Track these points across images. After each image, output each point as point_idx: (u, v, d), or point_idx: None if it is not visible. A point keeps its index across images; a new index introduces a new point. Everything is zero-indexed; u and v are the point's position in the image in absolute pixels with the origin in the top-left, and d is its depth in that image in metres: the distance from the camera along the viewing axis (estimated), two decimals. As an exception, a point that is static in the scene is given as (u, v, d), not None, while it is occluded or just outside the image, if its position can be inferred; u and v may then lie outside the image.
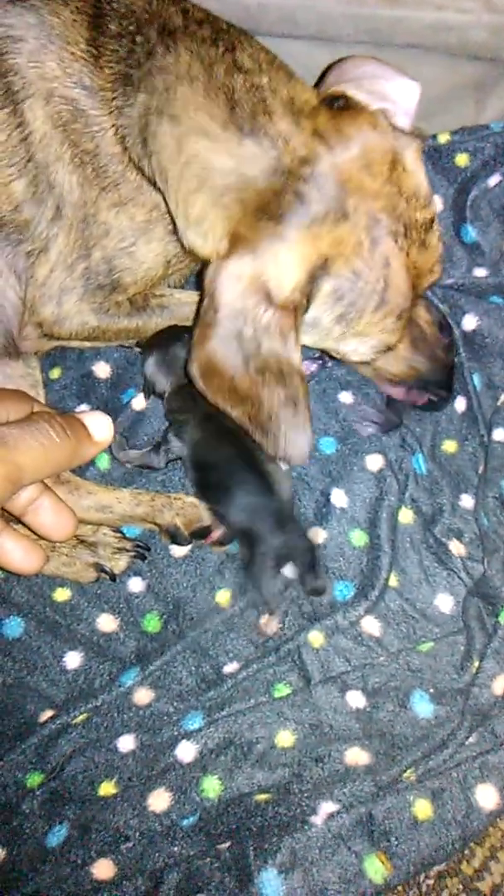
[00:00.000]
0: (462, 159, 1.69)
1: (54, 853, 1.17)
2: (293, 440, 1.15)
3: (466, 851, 1.17)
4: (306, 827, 1.13)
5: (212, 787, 1.20)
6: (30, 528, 0.84)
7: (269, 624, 1.29)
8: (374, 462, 1.46)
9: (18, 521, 1.43)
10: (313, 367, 1.54)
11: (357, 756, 1.20)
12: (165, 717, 1.27)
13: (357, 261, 1.11)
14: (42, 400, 1.55)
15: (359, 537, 1.41)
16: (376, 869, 1.10)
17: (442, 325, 1.37)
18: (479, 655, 1.27)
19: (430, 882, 1.16)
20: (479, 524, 1.40)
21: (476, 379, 1.52)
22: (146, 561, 1.42)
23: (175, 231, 1.34)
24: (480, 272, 1.63)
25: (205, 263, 1.17)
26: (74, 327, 1.42)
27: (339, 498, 1.44)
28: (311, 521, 1.42)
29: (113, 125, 1.25)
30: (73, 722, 1.27)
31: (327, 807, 1.15)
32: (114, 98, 1.24)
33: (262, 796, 1.18)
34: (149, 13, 1.24)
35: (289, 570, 1.29)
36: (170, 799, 1.19)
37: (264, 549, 1.26)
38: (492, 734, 1.20)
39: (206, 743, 1.23)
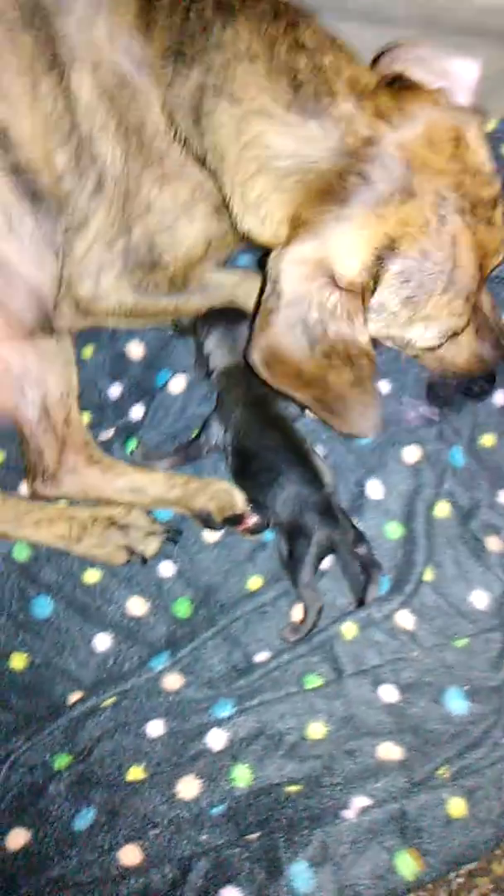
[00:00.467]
0: (510, 148, 1.65)
1: (81, 837, 1.16)
2: (362, 417, 1.16)
3: (497, 851, 1.16)
4: (338, 821, 1.11)
5: (242, 776, 1.18)
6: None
7: (304, 623, 1.27)
8: (411, 454, 1.43)
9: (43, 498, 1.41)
10: None
11: (389, 751, 1.19)
12: (195, 704, 1.26)
13: (425, 240, 1.08)
14: (74, 378, 1.53)
15: (394, 530, 1.38)
16: (408, 865, 1.09)
17: None
18: (514, 654, 1.25)
19: (461, 880, 1.14)
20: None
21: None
22: (177, 545, 1.40)
23: (218, 211, 1.31)
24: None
25: (263, 249, 1.14)
26: (111, 305, 1.40)
27: (374, 489, 1.41)
28: (346, 513, 1.40)
29: (161, 99, 1.22)
30: (102, 705, 1.26)
31: (359, 801, 1.13)
32: (164, 72, 1.20)
33: (293, 788, 1.16)
34: None
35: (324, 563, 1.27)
36: (199, 786, 1.18)
37: (310, 541, 1.23)
38: (527, 734, 1.18)
39: (236, 731, 1.22)
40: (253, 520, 1.38)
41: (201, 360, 1.47)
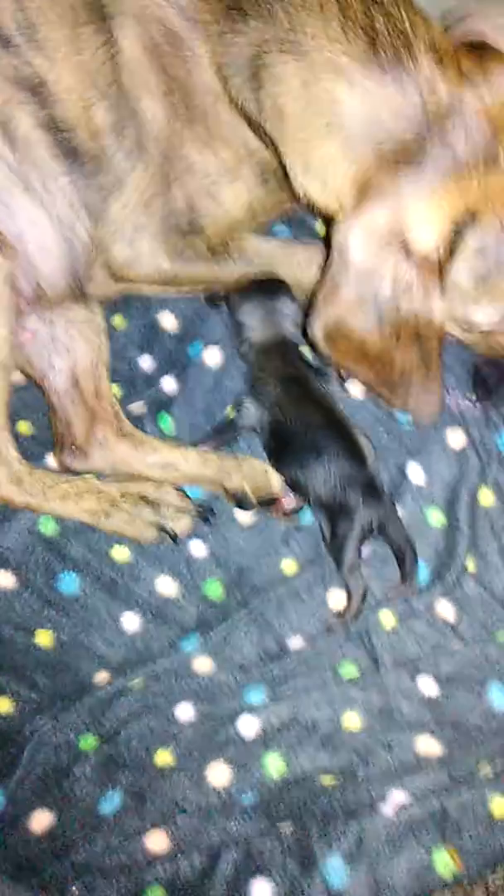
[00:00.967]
0: None
1: (107, 821, 1.12)
2: (424, 399, 1.12)
3: (537, 852, 1.12)
4: (374, 815, 1.08)
5: (274, 764, 1.14)
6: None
7: (349, 608, 1.22)
8: (456, 438, 1.38)
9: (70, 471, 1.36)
10: None
11: (428, 745, 1.15)
12: (226, 688, 1.22)
13: None
14: (105, 347, 1.47)
15: (436, 517, 1.33)
16: (446, 864, 1.06)
17: None
18: None
19: (499, 881, 1.10)
20: None
21: None
22: (209, 524, 1.35)
23: (262, 175, 1.25)
24: None
25: (324, 217, 1.08)
26: (146, 270, 1.34)
27: (415, 473, 1.36)
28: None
29: (211, 54, 1.15)
30: (130, 686, 1.22)
31: (397, 796, 1.09)
32: (216, 24, 1.13)
33: (327, 779, 1.13)
34: None
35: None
36: (229, 773, 1.14)
37: (353, 522, 1.18)
38: None
39: (268, 718, 1.18)
40: (288, 502, 1.33)
41: (233, 330, 1.41)
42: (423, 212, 1.01)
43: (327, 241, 1.09)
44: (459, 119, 1.01)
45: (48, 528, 1.35)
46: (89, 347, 1.46)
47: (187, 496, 1.37)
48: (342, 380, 1.40)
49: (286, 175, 1.18)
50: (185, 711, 1.20)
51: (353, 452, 1.24)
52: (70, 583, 1.31)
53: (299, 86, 1.08)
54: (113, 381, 1.47)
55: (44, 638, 1.27)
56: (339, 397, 1.40)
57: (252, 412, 1.33)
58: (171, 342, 1.53)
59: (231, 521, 1.36)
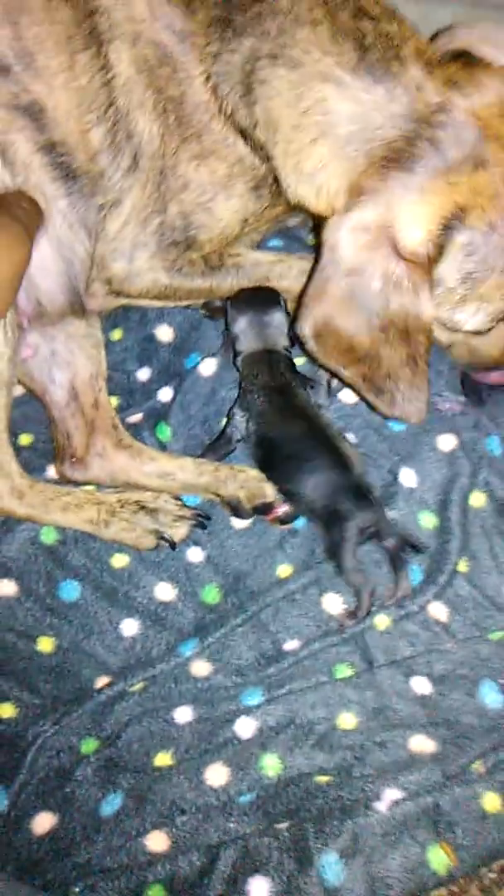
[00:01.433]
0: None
1: (108, 822, 1.14)
2: (411, 399, 1.12)
3: (532, 848, 1.13)
4: (369, 813, 1.09)
5: (271, 764, 1.16)
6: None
7: (359, 608, 1.24)
8: (447, 442, 1.41)
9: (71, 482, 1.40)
10: None
11: (422, 743, 1.16)
12: (223, 691, 1.24)
13: (493, 213, 1.04)
14: (103, 360, 1.51)
15: (428, 520, 1.36)
16: (440, 860, 1.07)
17: None
18: (551, 648, 1.23)
19: (493, 876, 1.12)
20: None
21: None
22: (206, 531, 1.38)
23: (256, 189, 1.28)
24: None
25: (315, 221, 1.10)
26: (145, 285, 1.38)
27: (407, 477, 1.39)
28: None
29: (203, 72, 1.19)
30: (130, 690, 1.24)
31: (392, 793, 1.11)
32: (207, 44, 1.17)
33: (323, 778, 1.15)
34: None
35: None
36: (227, 774, 1.16)
37: (346, 528, 1.21)
38: None
39: (265, 720, 1.20)
40: (283, 509, 1.36)
41: (229, 342, 1.45)
42: (413, 211, 1.03)
43: (318, 250, 1.11)
44: (448, 121, 1.04)
45: (49, 537, 1.39)
46: (88, 361, 1.50)
47: (185, 504, 1.41)
48: (332, 389, 1.43)
49: (280, 188, 1.22)
50: (183, 714, 1.22)
51: (338, 460, 1.26)
52: (71, 590, 1.34)
53: (292, 94, 1.11)
54: (111, 392, 1.51)
55: (45, 644, 1.30)
56: (332, 404, 1.44)
57: (240, 422, 1.36)
58: (168, 354, 1.57)
59: (227, 528, 1.39)
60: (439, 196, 1.03)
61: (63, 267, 1.38)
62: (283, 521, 1.37)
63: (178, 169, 1.26)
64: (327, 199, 1.11)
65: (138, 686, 1.25)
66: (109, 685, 1.25)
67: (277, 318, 1.39)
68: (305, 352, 1.15)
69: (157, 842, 1.12)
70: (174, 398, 1.50)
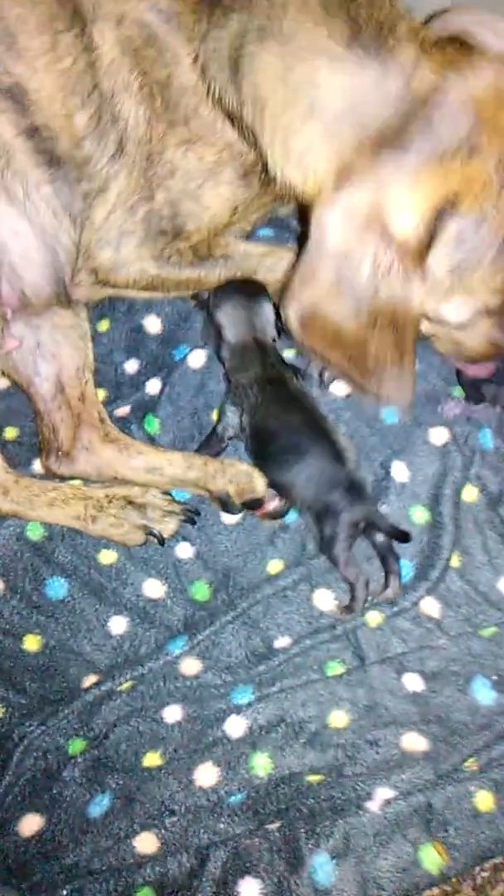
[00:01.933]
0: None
1: (96, 824, 1.13)
2: (398, 384, 1.09)
3: (524, 845, 1.13)
4: (361, 812, 1.08)
5: (261, 764, 1.15)
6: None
7: (356, 601, 1.23)
8: (439, 435, 1.39)
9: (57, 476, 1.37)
10: None
11: (414, 741, 1.15)
12: (213, 690, 1.22)
13: (486, 202, 1.01)
14: (90, 352, 1.48)
15: (420, 514, 1.34)
16: (432, 859, 1.06)
17: None
18: (544, 644, 1.22)
19: (486, 874, 1.11)
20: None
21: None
22: (195, 526, 1.36)
23: (245, 176, 1.25)
24: None
25: (301, 205, 1.07)
26: (132, 275, 1.34)
27: (399, 471, 1.37)
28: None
29: (191, 52, 1.15)
30: (118, 689, 1.22)
31: (383, 792, 1.10)
32: (195, 23, 1.13)
33: (314, 777, 1.13)
34: None
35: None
36: (217, 774, 1.15)
37: (339, 522, 1.19)
38: None
39: (255, 719, 1.18)
40: (273, 504, 1.34)
41: (210, 332, 1.41)
42: (404, 196, 0.99)
43: (304, 236, 1.07)
44: (443, 104, 1.00)
45: (35, 533, 1.36)
46: (75, 352, 1.47)
47: (174, 500, 1.38)
48: (323, 381, 1.40)
49: (269, 175, 1.19)
50: (172, 713, 1.20)
51: (333, 453, 1.24)
52: (58, 588, 1.32)
53: (281, 68, 1.07)
54: (99, 385, 1.48)
55: (32, 643, 1.28)
56: (323, 397, 1.42)
57: (232, 418, 1.34)
58: (157, 345, 1.54)
59: (217, 523, 1.37)
60: (432, 182, 1.00)
61: (48, 256, 1.34)
62: (274, 516, 1.35)
63: (165, 155, 1.23)
64: (315, 181, 1.07)
65: (126, 685, 1.23)
66: (97, 684, 1.23)
67: (265, 308, 1.36)
68: (292, 340, 1.12)
69: (145, 843, 1.10)
70: (162, 390, 1.47)
